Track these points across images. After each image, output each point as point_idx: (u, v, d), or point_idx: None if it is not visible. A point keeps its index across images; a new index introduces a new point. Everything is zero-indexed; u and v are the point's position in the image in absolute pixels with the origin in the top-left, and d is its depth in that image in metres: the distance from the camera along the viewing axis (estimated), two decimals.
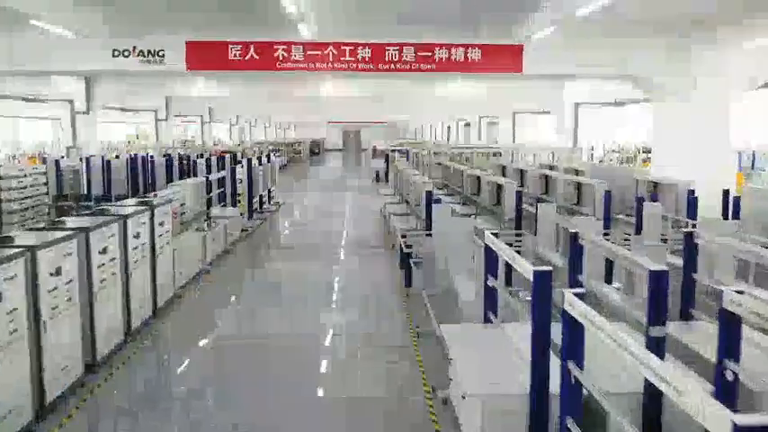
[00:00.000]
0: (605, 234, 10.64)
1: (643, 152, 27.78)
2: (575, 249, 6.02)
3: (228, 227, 13.69)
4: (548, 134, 33.45)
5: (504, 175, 19.42)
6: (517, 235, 11.71)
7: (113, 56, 12.88)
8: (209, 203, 13.37)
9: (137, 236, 7.88)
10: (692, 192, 11.95)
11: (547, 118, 33.57)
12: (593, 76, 14.69)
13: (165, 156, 20.11)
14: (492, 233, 5.70)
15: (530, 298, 4.41)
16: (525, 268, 4.53)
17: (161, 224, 8.85)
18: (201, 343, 8.05)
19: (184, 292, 10.01)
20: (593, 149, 27.26)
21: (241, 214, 15.80)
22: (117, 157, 20.10)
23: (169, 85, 25.83)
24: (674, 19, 12.30)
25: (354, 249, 14.34)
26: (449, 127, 53.00)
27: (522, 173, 17.93)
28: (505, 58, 13.36)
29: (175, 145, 33.33)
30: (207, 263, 11.70)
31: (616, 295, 6.25)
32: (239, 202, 15.59)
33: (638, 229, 10.38)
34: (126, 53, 12.82)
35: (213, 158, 18.67)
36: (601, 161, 25.98)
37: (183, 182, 12.37)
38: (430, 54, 13.29)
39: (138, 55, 12.86)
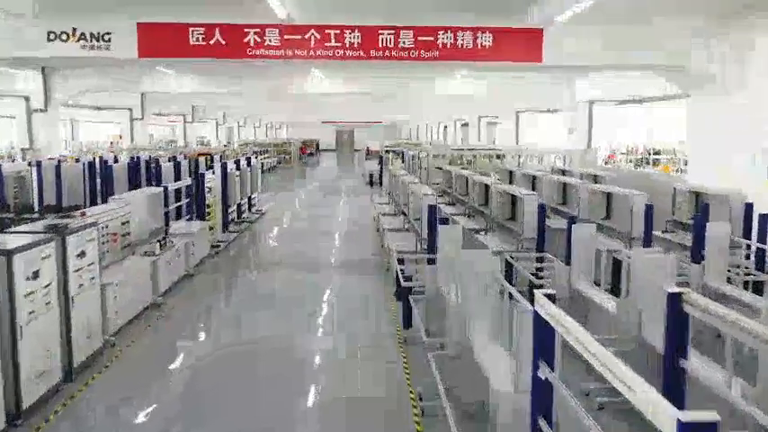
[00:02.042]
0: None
1: (654, 154, 26.00)
2: (676, 320, 3.86)
3: (193, 245, 11.50)
4: (549, 134, 31.47)
5: (511, 181, 17.34)
6: (539, 260, 9.62)
7: (49, 40, 10.64)
8: (167, 218, 11.18)
9: (33, 276, 5.69)
10: (750, 206, 9.87)
11: (547, 118, 31.58)
12: (625, 68, 12.59)
13: (133, 159, 17.93)
14: (546, 294, 3.55)
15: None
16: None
17: (80, 255, 6.66)
18: (131, 418, 5.86)
19: (121, 338, 7.82)
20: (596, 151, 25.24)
21: (211, 228, 13.61)
22: (77, 160, 17.88)
23: (145, 81, 23.56)
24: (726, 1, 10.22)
25: (342, 272, 12.17)
26: (445, 127, 50.93)
27: (534, 179, 15.84)
28: (522, 45, 11.19)
29: (158, 146, 31.09)
30: (159, 294, 9.52)
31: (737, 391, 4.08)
32: (209, 213, 13.39)
33: (696, 256, 8.26)
34: (64, 37, 10.59)
35: (184, 162, 16.47)
36: (606, 163, 23.94)
37: (130, 194, 10.17)
38: (432, 39, 11.09)
39: (80, 39, 10.64)
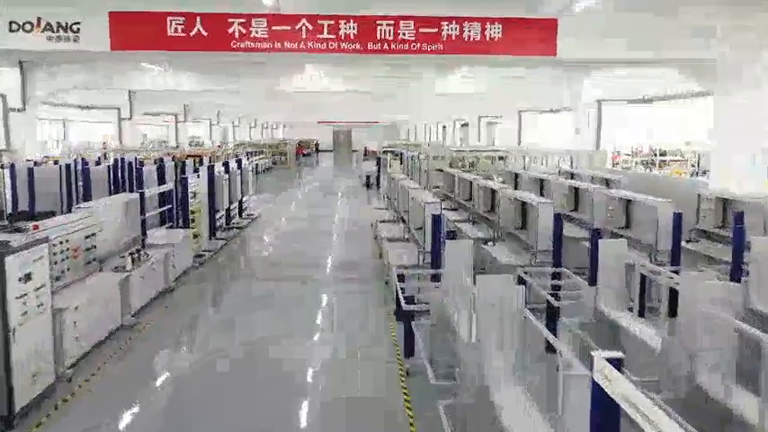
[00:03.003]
0: (673, 271, 7.56)
1: (660, 155, 25.15)
2: None
3: (174, 256, 10.48)
4: (550, 135, 30.51)
5: (516, 185, 16.34)
6: (555, 275, 8.62)
7: (11, 30, 9.58)
8: (145, 227, 10.17)
9: None
10: None
11: (548, 118, 30.62)
12: (648, 63, 11.59)
13: (116, 161, 16.92)
14: (611, 360, 2.54)
15: None
16: None
17: (24, 279, 5.63)
18: None
19: (81, 370, 6.81)
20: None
21: (196, 236, 12.59)
22: (56, 162, 16.84)
23: (134, 77, 22.46)
24: None
25: (338, 284, 11.16)
26: (444, 127, 49.96)
27: (541, 183, 14.85)
28: (534, 37, 10.17)
29: (147, 147, 30.05)
30: (132, 313, 8.50)
31: None
32: (193, 221, 12.36)
33: (735, 273, 7.27)
34: (28, 27, 9.55)
35: (170, 164, 15.43)
36: (615, 165, 22.98)
37: (99, 202, 9.14)
38: (435, 31, 10.05)
39: (45, 29, 9.58)
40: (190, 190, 12.25)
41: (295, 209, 22.10)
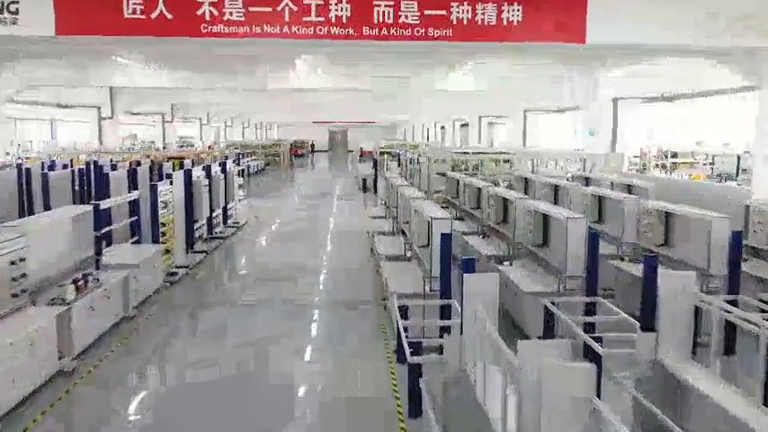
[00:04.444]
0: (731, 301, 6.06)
1: (671, 157, 23.76)
2: None
3: (136, 278, 8.93)
4: (550, 135, 29.00)
5: (526, 190, 14.83)
6: (589, 309, 7.11)
7: None
8: (100, 245, 8.61)
9: None
10: None
11: (548, 118, 29.13)
12: (692, 52, 10.05)
13: (87, 164, 15.39)
14: None
15: None
16: None
17: None
18: None
19: None
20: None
21: (168, 251, 11.04)
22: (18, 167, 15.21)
23: (115, 73, 20.85)
24: None
25: (329, 307, 9.64)
26: (442, 127, 48.47)
27: (556, 190, 13.35)
28: (560, 21, 8.63)
29: (128, 149, 28.39)
30: (73, 355, 6.95)
31: None
32: (164, 234, 10.80)
33: None
34: None
35: (143, 169, 13.81)
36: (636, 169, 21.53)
37: (32, 219, 7.59)
38: (443, 13, 8.50)
39: None
40: (160, 199, 10.70)
41: (286, 215, 20.53)
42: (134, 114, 33.20)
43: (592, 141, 18.04)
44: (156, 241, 10.58)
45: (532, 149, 23.35)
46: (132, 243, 10.36)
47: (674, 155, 23.58)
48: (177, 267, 11.48)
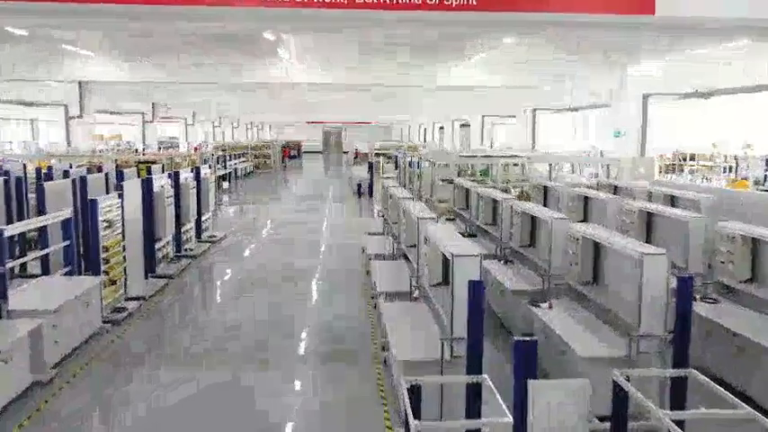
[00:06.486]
0: None
1: (690, 159, 21.99)
2: None
3: (54, 326, 6.75)
4: (552, 136, 27.00)
5: (545, 201, 12.75)
6: (678, 382, 4.97)
7: None
8: (4, 283, 6.43)
9: None
10: None
11: (549, 118, 27.13)
12: None
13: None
14: None
15: None
16: None
17: None
18: None
19: None
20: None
21: (113, 282, 8.86)
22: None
23: (80, 66, 18.69)
24: None
25: (315, 361, 7.45)
26: (441, 128, 46.46)
27: (586, 202, 11.24)
28: None
29: (101, 152, 26.19)
30: None
31: None
32: (107, 261, 8.59)
33: None
34: None
35: (96, 177, 11.60)
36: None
37: None
38: None
39: None
40: (101, 217, 8.49)
41: (271, 225, 18.32)
42: (112, 114, 31.00)
43: (616, 143, 15.99)
44: (95, 271, 8.39)
45: (540, 152, 21.30)
46: (64, 275, 8.19)
47: (692, 157, 21.88)
48: (129, 299, 9.32)
